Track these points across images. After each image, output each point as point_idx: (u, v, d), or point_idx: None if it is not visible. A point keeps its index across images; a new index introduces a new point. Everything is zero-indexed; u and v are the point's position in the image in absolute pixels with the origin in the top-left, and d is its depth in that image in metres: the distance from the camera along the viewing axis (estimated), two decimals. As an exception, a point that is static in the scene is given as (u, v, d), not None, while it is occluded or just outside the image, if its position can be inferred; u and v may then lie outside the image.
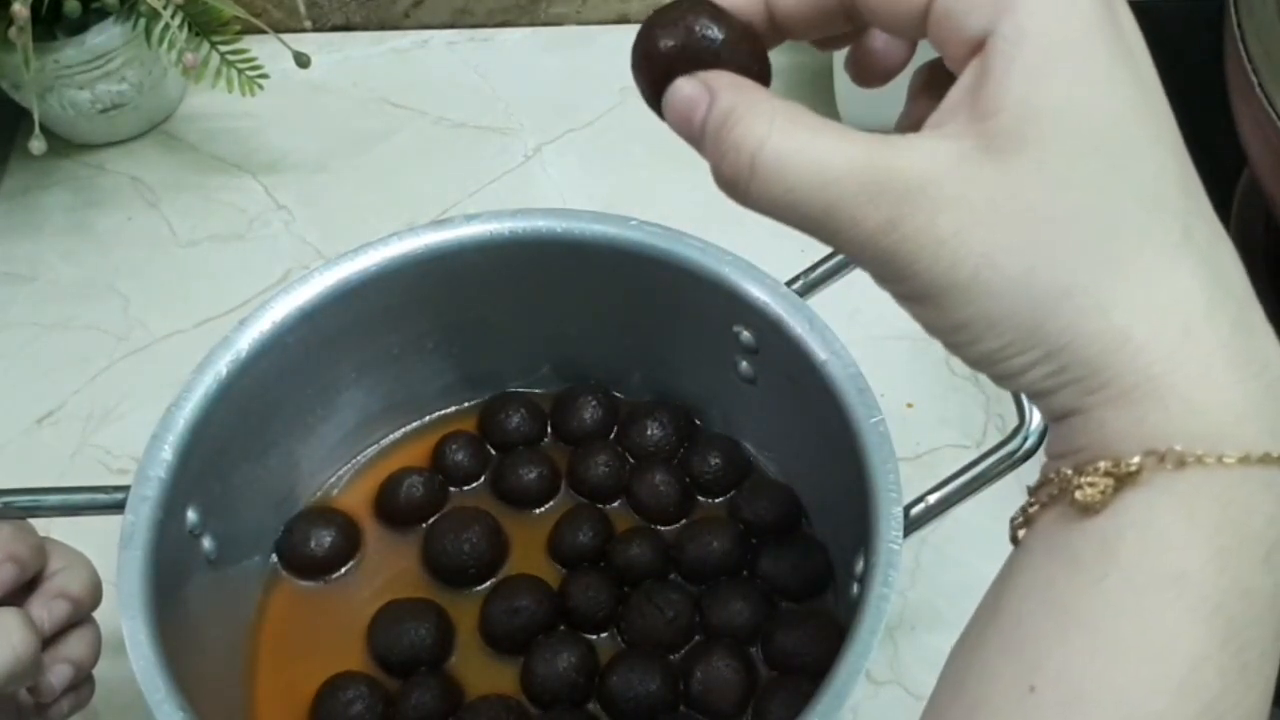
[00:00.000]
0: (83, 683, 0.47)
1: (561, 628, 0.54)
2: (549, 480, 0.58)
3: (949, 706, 0.28)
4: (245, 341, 0.51)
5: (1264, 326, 0.27)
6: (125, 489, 0.47)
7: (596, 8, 0.81)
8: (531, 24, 0.83)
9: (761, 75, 0.30)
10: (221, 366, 0.50)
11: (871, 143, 0.26)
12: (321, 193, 0.75)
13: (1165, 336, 0.26)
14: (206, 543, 0.51)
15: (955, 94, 0.26)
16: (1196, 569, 0.25)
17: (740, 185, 0.27)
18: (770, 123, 0.27)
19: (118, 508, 0.47)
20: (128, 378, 0.67)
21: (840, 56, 0.76)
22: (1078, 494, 0.26)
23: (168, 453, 0.48)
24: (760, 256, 0.53)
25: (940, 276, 0.26)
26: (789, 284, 0.52)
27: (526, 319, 0.58)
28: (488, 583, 0.55)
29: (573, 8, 0.82)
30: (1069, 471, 0.26)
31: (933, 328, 0.27)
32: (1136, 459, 0.25)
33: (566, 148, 0.76)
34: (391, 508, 0.57)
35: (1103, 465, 0.25)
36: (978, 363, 0.27)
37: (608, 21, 0.82)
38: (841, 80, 0.73)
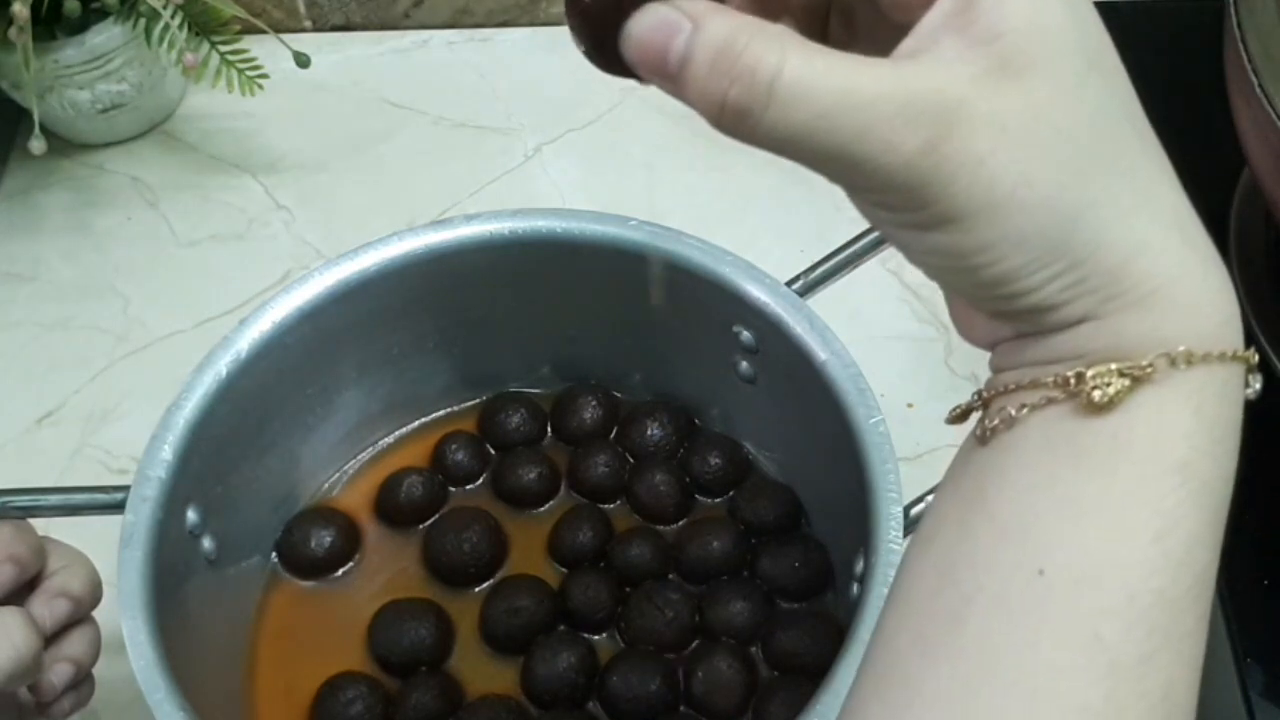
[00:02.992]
0: (83, 681, 0.47)
1: (561, 628, 0.54)
2: (549, 480, 0.58)
3: (934, 597, 0.28)
4: (245, 341, 0.51)
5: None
6: (125, 489, 0.47)
7: (596, 8, 0.81)
8: (531, 24, 0.83)
9: None
10: (221, 366, 0.50)
11: (894, 66, 0.26)
12: (321, 193, 0.75)
13: (1171, 245, 0.27)
14: (206, 543, 0.51)
15: (935, 17, 0.26)
16: (1198, 458, 0.27)
17: (753, 116, 0.26)
18: (784, 46, 0.25)
19: (118, 508, 0.47)
20: (128, 378, 0.67)
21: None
22: (1095, 394, 0.27)
23: (168, 453, 0.48)
24: (760, 257, 0.53)
25: (978, 195, 0.25)
26: (789, 284, 0.52)
27: (526, 319, 0.58)
28: (488, 583, 0.55)
29: (573, 8, 0.82)
30: (1076, 374, 0.27)
31: (951, 252, 0.27)
32: (1149, 359, 0.27)
33: (566, 148, 0.76)
34: (391, 508, 0.57)
35: (1114, 366, 0.27)
36: (990, 284, 0.27)
37: (608, 21, 0.82)
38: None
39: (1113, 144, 0.27)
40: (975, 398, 0.30)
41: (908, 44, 0.27)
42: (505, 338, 0.59)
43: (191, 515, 0.49)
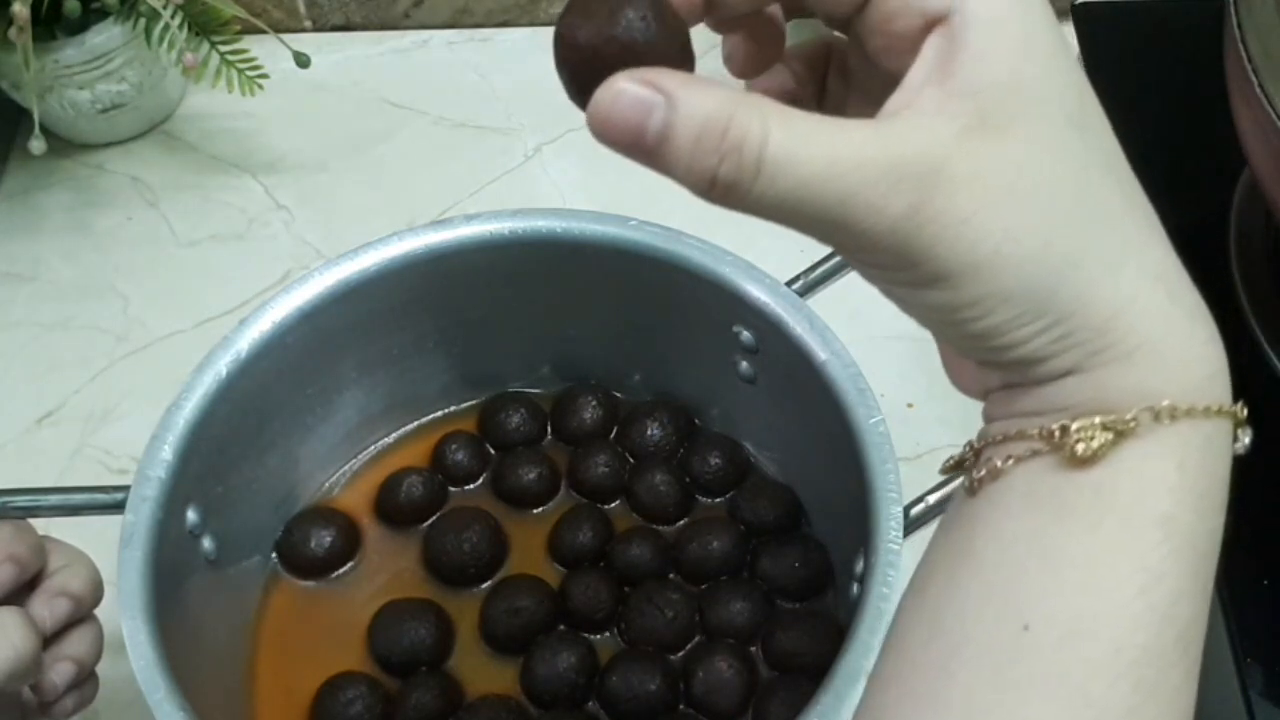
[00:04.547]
0: (86, 681, 0.47)
1: (561, 628, 0.54)
2: (549, 480, 0.58)
3: (924, 649, 0.29)
4: (245, 341, 0.51)
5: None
6: (125, 489, 0.47)
7: (596, 8, 0.81)
8: (531, 24, 0.83)
9: (689, 64, 0.28)
10: (221, 366, 0.50)
11: (876, 128, 0.26)
12: (321, 193, 0.75)
13: (1156, 299, 0.27)
14: (206, 543, 0.51)
15: (919, 72, 0.26)
16: (1182, 512, 0.27)
17: (743, 187, 0.26)
18: (765, 116, 0.25)
19: (118, 508, 0.47)
20: (128, 378, 0.67)
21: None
22: (1079, 447, 0.27)
23: (168, 453, 0.48)
24: (760, 257, 0.53)
25: (962, 255, 0.26)
26: (789, 284, 0.52)
27: (526, 319, 0.58)
28: (488, 583, 0.55)
29: (573, 8, 0.82)
30: (1060, 426, 0.27)
31: (941, 308, 0.27)
32: (1132, 413, 0.27)
33: (566, 148, 0.76)
34: (391, 507, 0.57)
35: (1098, 420, 0.27)
36: (979, 336, 0.27)
37: (608, 21, 0.82)
38: (841, 80, 0.73)
39: (1096, 199, 0.27)
40: (966, 448, 0.30)
41: (894, 100, 0.27)
42: (505, 338, 0.59)
43: (191, 515, 0.49)
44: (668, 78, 0.26)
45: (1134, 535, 0.27)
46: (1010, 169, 0.26)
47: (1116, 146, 0.28)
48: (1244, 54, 0.49)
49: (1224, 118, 0.53)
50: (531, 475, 0.57)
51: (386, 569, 0.56)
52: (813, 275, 0.52)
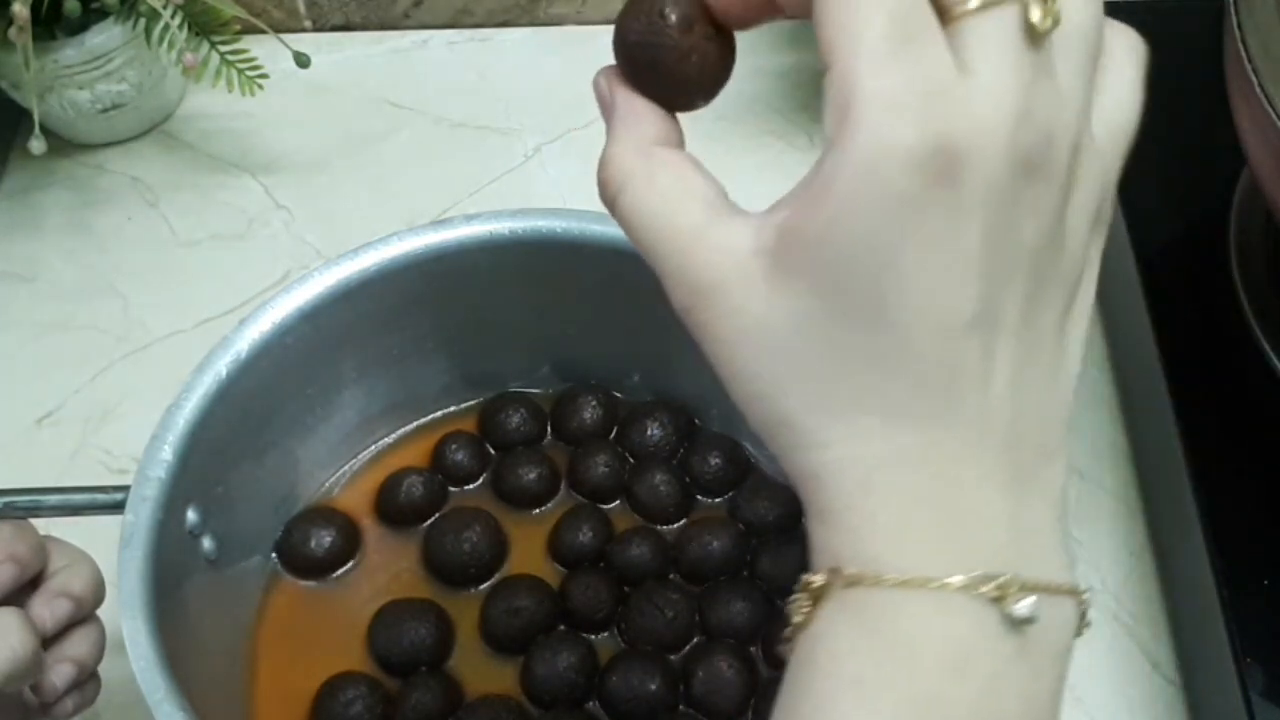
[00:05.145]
0: (87, 681, 0.47)
1: (561, 628, 0.54)
2: (549, 480, 0.58)
3: None
4: (245, 341, 0.51)
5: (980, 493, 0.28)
6: (125, 489, 0.47)
7: (596, 8, 0.81)
8: (531, 24, 0.83)
9: (716, 70, 0.32)
10: (221, 366, 0.50)
11: (700, 224, 0.29)
12: (321, 193, 0.75)
13: (857, 470, 0.27)
14: (206, 543, 0.51)
15: (807, 176, 0.27)
16: (871, 675, 0.27)
17: (608, 202, 0.31)
18: (629, 177, 0.31)
19: (118, 508, 0.47)
20: (128, 378, 0.67)
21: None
22: (796, 617, 0.28)
23: (168, 453, 0.48)
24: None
25: (718, 363, 0.29)
26: None
27: (527, 319, 0.58)
28: (487, 583, 0.55)
29: (573, 8, 0.82)
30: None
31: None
32: (822, 576, 0.28)
33: (566, 148, 0.76)
34: (391, 508, 0.57)
35: (803, 580, 0.28)
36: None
37: (608, 21, 0.81)
38: (841, 80, 0.73)
39: (838, 376, 0.27)
40: None
41: (794, 188, 0.28)
42: (505, 338, 0.59)
43: (191, 515, 0.49)
44: (620, 99, 0.33)
45: (833, 699, 0.27)
46: (772, 316, 0.27)
47: (908, 344, 0.26)
48: (1244, 54, 0.49)
49: (1224, 118, 0.53)
50: (531, 475, 0.57)
51: (386, 569, 0.56)
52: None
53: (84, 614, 0.46)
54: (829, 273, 0.26)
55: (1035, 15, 0.25)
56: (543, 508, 0.58)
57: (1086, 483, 0.62)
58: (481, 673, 0.53)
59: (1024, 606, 0.27)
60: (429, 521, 0.57)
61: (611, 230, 0.54)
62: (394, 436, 0.60)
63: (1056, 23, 0.26)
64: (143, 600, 0.45)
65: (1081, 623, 0.29)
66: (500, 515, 0.57)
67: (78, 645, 0.46)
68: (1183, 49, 0.69)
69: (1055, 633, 0.28)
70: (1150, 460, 0.61)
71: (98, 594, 0.46)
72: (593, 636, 0.53)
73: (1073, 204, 0.28)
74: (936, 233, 0.25)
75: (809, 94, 0.77)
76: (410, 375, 0.59)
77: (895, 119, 0.25)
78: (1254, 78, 0.48)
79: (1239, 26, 0.49)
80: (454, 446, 0.58)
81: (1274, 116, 0.47)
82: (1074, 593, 0.28)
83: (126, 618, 0.44)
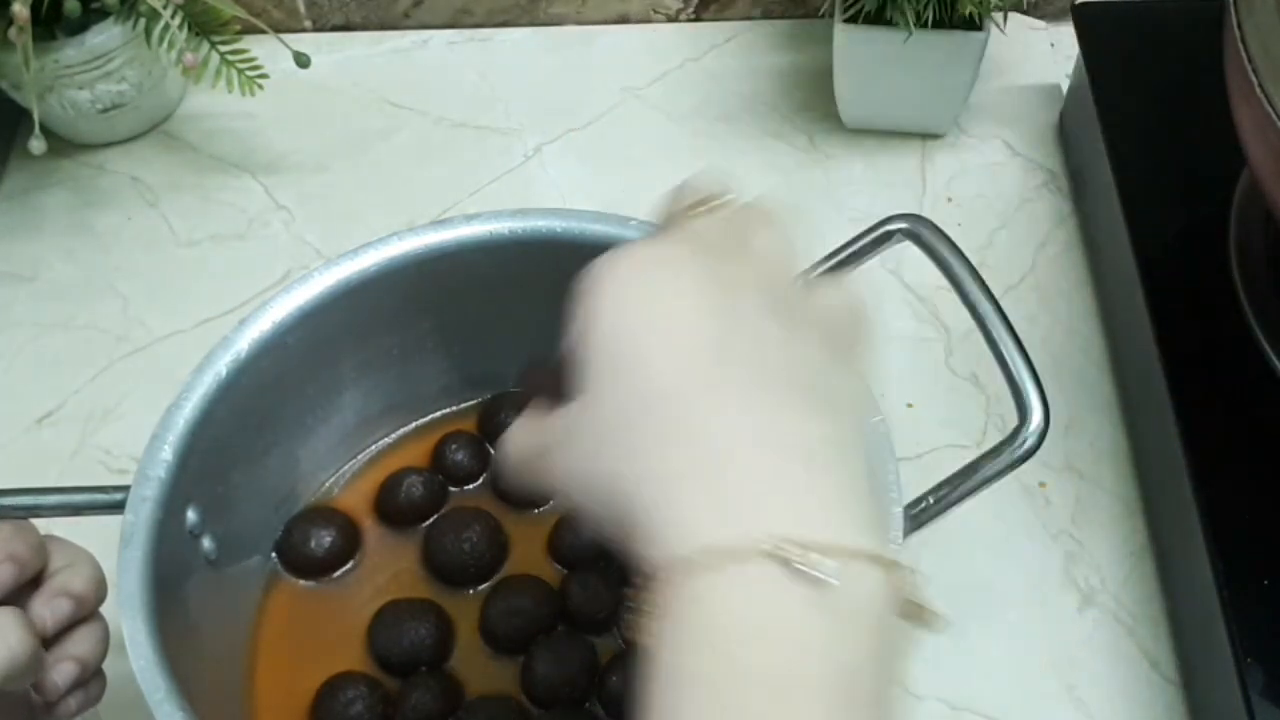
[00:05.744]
0: (91, 679, 0.47)
1: (561, 628, 0.53)
2: None
3: None
4: (245, 341, 0.51)
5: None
6: (125, 489, 0.47)
7: (596, 8, 0.81)
8: (531, 24, 0.83)
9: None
10: (221, 366, 0.50)
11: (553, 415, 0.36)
12: (321, 193, 0.75)
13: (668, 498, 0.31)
14: (206, 543, 0.51)
15: None
16: (688, 664, 0.29)
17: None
18: (512, 435, 0.39)
19: (118, 508, 0.47)
20: (128, 378, 0.67)
21: (841, 57, 0.77)
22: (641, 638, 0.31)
23: (168, 453, 0.48)
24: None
25: (566, 495, 0.36)
26: None
27: (527, 319, 0.58)
28: (488, 583, 0.55)
29: (573, 8, 0.82)
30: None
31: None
32: (644, 592, 0.31)
33: (566, 148, 0.76)
34: (391, 508, 0.57)
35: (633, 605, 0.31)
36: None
37: (608, 21, 0.82)
38: (841, 80, 0.73)
39: (627, 435, 0.32)
40: None
41: None
42: (505, 338, 0.59)
43: (191, 515, 0.49)
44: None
45: (661, 703, 0.29)
46: (573, 425, 0.35)
47: (655, 383, 0.32)
48: (1244, 54, 0.49)
49: (1224, 118, 0.53)
50: None
51: (386, 569, 0.56)
52: (815, 272, 0.52)
53: (85, 613, 0.46)
54: (609, 361, 0.34)
55: None
56: (542, 508, 0.58)
57: (1086, 483, 0.62)
58: (482, 672, 0.53)
59: (813, 568, 0.29)
60: (429, 521, 0.57)
61: (612, 230, 0.54)
62: (394, 436, 0.60)
63: None
64: (142, 600, 0.45)
65: (909, 600, 0.31)
66: (500, 515, 0.57)
67: (79, 644, 0.46)
68: (1183, 49, 0.69)
69: (862, 600, 0.29)
70: (1150, 460, 0.61)
71: (99, 592, 0.46)
72: (594, 637, 0.53)
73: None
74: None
75: (808, 94, 0.77)
76: (410, 375, 0.59)
77: None
78: (1254, 78, 0.48)
79: (1239, 26, 0.49)
80: (454, 446, 0.58)
81: (1274, 116, 0.47)
82: (878, 560, 0.30)
83: (126, 617, 0.44)
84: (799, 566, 0.29)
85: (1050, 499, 0.62)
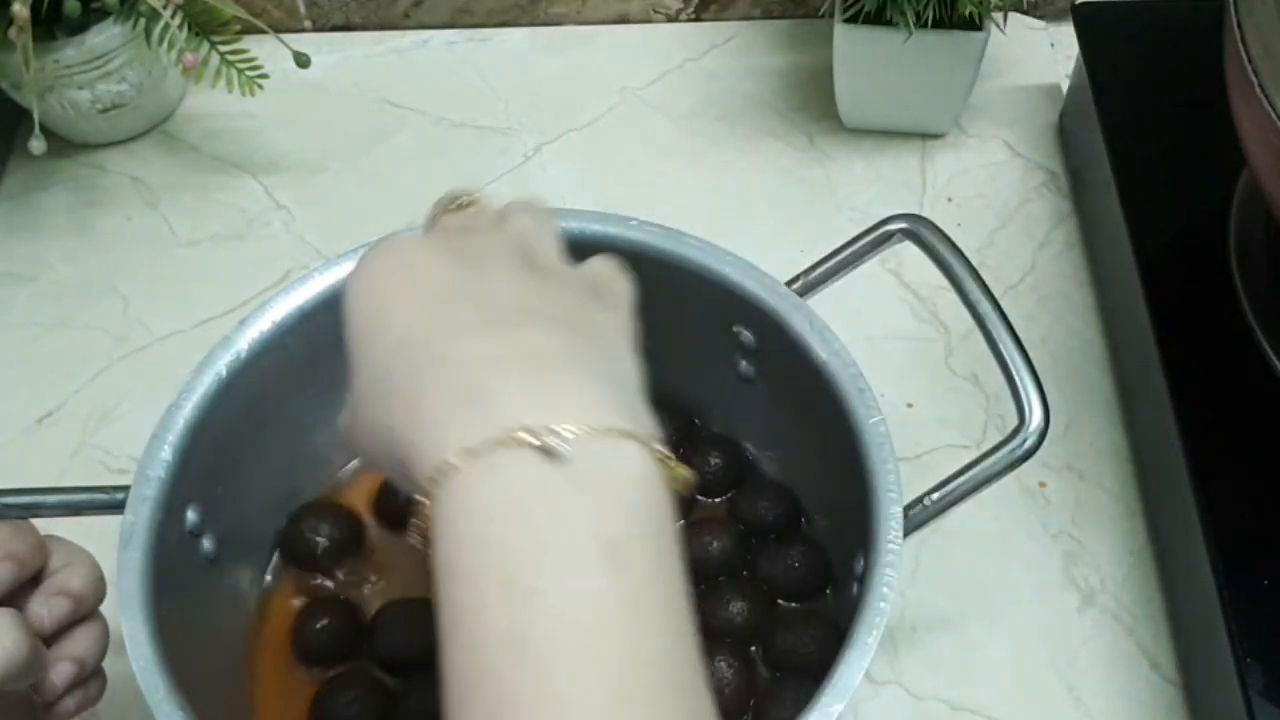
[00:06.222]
0: (91, 679, 0.47)
1: None
2: None
3: None
4: (245, 341, 0.51)
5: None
6: (125, 489, 0.47)
7: (596, 8, 0.81)
8: (531, 24, 0.83)
9: None
10: (221, 367, 0.50)
11: None
12: (321, 193, 0.75)
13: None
14: (207, 542, 0.51)
15: None
16: (457, 559, 0.32)
17: None
18: None
19: (118, 507, 0.47)
20: (128, 378, 0.67)
21: (841, 57, 0.77)
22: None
23: (167, 453, 0.48)
24: (760, 256, 0.53)
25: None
26: (789, 284, 0.52)
27: None
28: None
29: (573, 8, 0.82)
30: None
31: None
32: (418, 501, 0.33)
33: (566, 148, 0.76)
34: (392, 509, 0.57)
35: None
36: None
37: (608, 21, 0.82)
38: (841, 80, 0.73)
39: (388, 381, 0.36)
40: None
41: None
42: None
43: (191, 515, 0.49)
44: None
45: (441, 597, 0.32)
46: (353, 410, 0.39)
47: (398, 331, 0.36)
48: (1244, 54, 0.49)
49: (1224, 118, 0.53)
50: None
51: (388, 567, 0.56)
52: (812, 275, 0.52)
53: (84, 612, 0.46)
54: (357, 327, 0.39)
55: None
56: None
57: (1086, 483, 0.62)
58: None
59: (553, 445, 0.31)
60: None
61: (612, 230, 0.54)
62: None
63: None
64: (142, 600, 0.45)
65: (663, 465, 0.33)
66: None
67: (78, 643, 0.46)
68: (1183, 49, 0.69)
69: (615, 472, 0.32)
70: (1150, 460, 0.61)
71: (98, 592, 0.46)
72: None
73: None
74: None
75: (807, 94, 0.77)
76: None
77: None
78: (1254, 78, 0.48)
79: (1239, 27, 0.49)
80: None
81: (1274, 116, 0.47)
82: (628, 435, 0.32)
83: (126, 618, 0.44)
84: (538, 444, 0.31)
85: (1050, 499, 0.62)
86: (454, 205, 0.42)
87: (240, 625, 0.54)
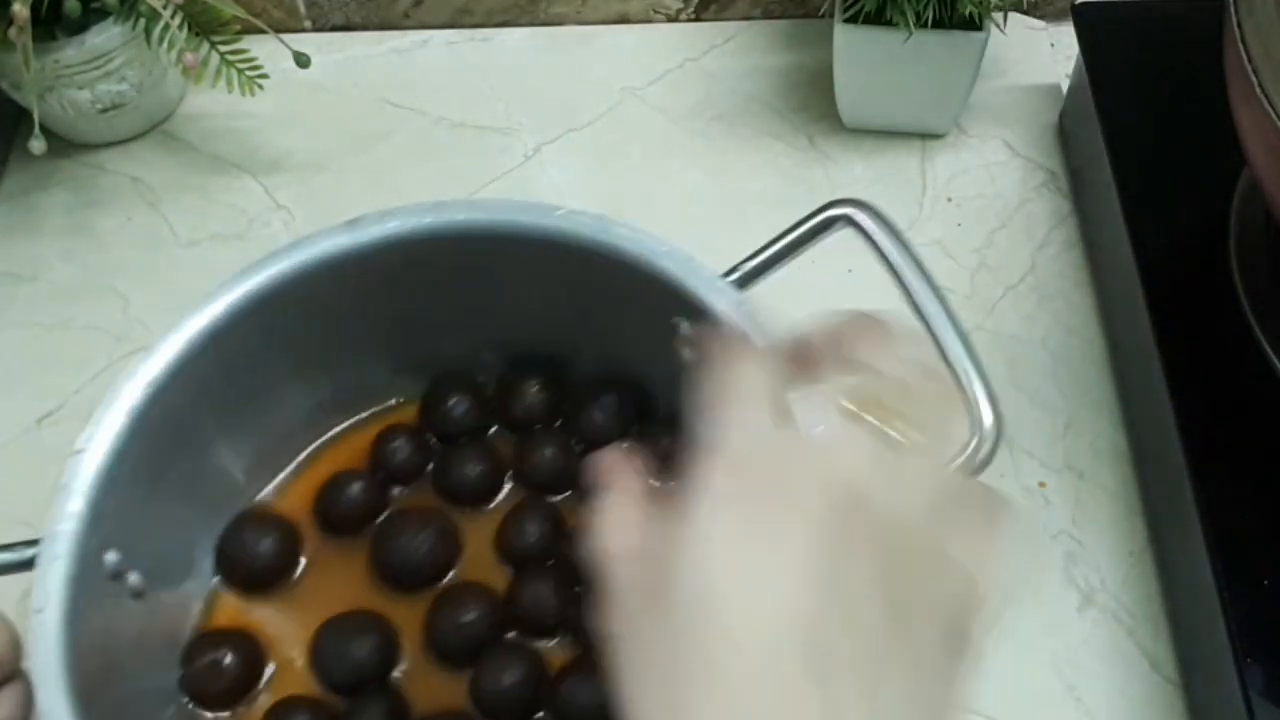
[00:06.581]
0: None
1: (511, 635, 0.52)
2: (493, 475, 0.55)
3: None
4: (154, 370, 0.48)
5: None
6: (35, 543, 0.44)
7: (596, 8, 0.81)
8: (531, 24, 0.83)
9: None
10: (130, 400, 0.47)
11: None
12: (321, 193, 0.75)
13: None
14: (133, 578, 0.48)
15: None
16: None
17: None
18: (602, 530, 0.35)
19: (27, 566, 0.44)
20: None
21: (841, 57, 0.77)
22: None
23: (78, 502, 0.45)
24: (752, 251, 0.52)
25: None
26: (726, 274, 0.49)
27: (467, 313, 0.56)
28: (439, 584, 0.53)
29: (573, 8, 0.82)
30: None
31: None
32: None
33: (566, 148, 0.76)
34: (332, 515, 0.55)
35: None
36: None
37: (608, 21, 0.82)
38: (841, 80, 0.73)
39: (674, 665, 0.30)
40: None
41: None
42: (446, 332, 0.56)
43: (111, 556, 0.46)
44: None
45: None
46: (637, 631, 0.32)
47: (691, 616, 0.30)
48: (1244, 54, 0.49)
49: (1224, 118, 0.53)
50: (476, 470, 0.55)
51: (333, 577, 0.54)
52: (750, 265, 0.49)
53: (2, 674, 0.43)
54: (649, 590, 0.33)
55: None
56: (490, 504, 0.55)
57: (1086, 483, 0.62)
58: (430, 685, 0.52)
59: None
60: (375, 525, 0.55)
61: (538, 220, 0.51)
62: (330, 434, 0.58)
63: None
64: (60, 668, 0.42)
65: None
66: (447, 511, 0.55)
67: (2, 707, 0.43)
68: (1183, 49, 0.69)
69: None
70: (1150, 460, 0.61)
71: (13, 655, 0.43)
72: (545, 642, 0.52)
73: None
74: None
75: (807, 94, 0.77)
76: (342, 376, 0.56)
77: None
78: (1254, 78, 0.48)
79: (1239, 27, 0.49)
80: (394, 443, 0.56)
81: (1274, 117, 0.47)
82: None
83: (42, 690, 0.42)
84: None
85: (1050, 499, 0.62)
86: (863, 360, 0.34)
87: (178, 654, 0.52)
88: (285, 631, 0.53)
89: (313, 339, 0.54)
